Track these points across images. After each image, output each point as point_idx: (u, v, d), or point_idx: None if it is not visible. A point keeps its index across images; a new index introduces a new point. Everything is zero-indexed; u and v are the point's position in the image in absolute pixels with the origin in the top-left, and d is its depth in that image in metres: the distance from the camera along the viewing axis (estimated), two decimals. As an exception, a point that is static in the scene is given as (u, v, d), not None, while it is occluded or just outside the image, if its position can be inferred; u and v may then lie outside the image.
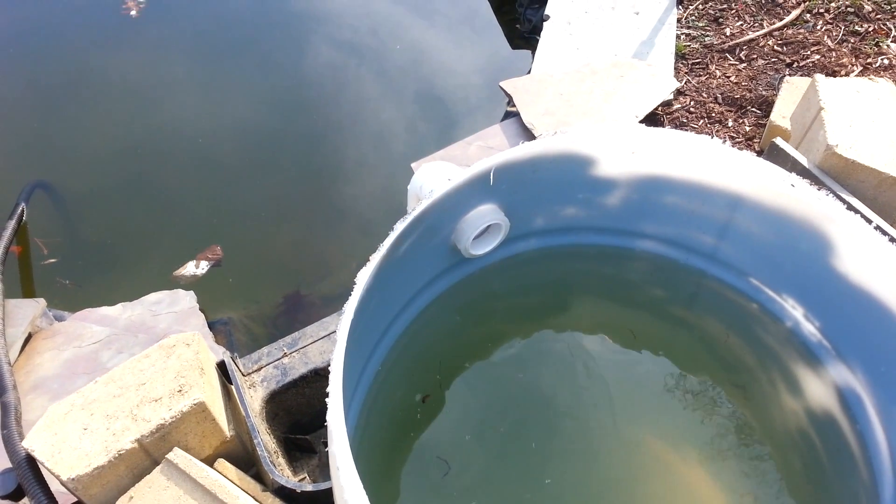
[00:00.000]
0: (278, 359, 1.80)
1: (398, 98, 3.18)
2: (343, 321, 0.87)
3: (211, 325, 2.18)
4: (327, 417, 0.78)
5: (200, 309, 2.19)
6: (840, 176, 1.92)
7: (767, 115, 2.50)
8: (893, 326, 1.01)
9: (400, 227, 0.98)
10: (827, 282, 1.11)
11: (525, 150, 1.11)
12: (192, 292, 2.20)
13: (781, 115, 2.37)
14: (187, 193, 2.79)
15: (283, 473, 1.57)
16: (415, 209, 1.01)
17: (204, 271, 2.47)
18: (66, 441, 1.45)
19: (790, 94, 2.42)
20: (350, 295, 0.91)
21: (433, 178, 1.17)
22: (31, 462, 1.49)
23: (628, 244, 1.31)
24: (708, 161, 1.13)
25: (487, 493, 1.16)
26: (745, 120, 2.50)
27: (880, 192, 1.91)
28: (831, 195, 1.05)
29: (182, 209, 2.72)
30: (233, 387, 1.68)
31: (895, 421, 1.03)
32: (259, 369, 1.78)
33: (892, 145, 1.97)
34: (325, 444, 1.34)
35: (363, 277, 0.92)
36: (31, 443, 1.46)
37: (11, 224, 2.36)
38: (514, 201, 1.21)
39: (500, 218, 1.19)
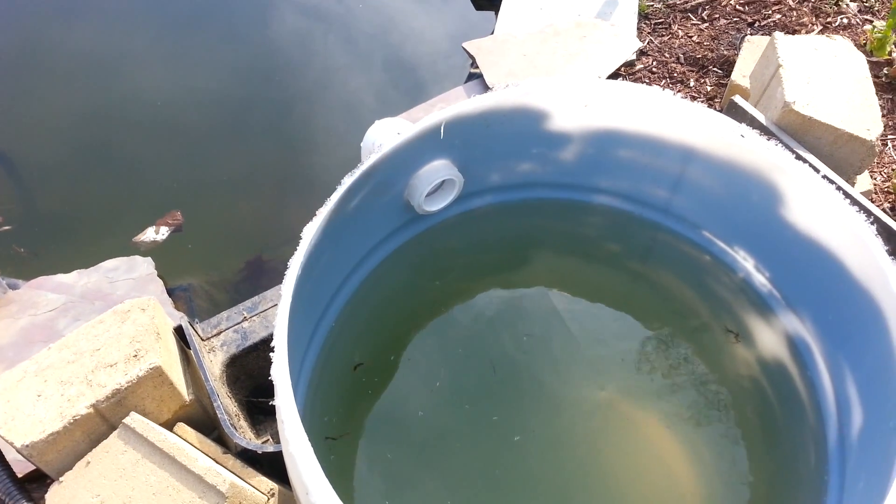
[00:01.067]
0: (238, 323, 1.78)
1: (363, 63, 3.12)
2: (288, 276, 0.86)
3: (170, 292, 2.15)
4: (272, 371, 0.77)
5: (159, 275, 2.15)
6: (797, 133, 1.94)
7: (728, 75, 2.51)
8: (840, 274, 1.03)
9: (348, 181, 0.97)
10: (777, 232, 1.13)
11: (476, 103, 1.10)
12: (149, 259, 2.16)
13: (742, 74, 2.38)
14: (147, 161, 2.73)
15: (246, 436, 1.57)
16: (363, 163, 0.99)
17: (164, 237, 2.42)
18: (19, 408, 1.43)
19: (751, 53, 2.43)
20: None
21: (385, 134, 1.15)
22: (-17, 430, 1.46)
23: (584, 199, 1.30)
24: (660, 113, 1.13)
25: (451, 452, 1.17)
26: (707, 80, 2.50)
27: (836, 149, 1.93)
28: (780, 145, 1.05)
29: (141, 177, 2.66)
30: (191, 352, 1.66)
31: (840, 367, 1.06)
32: (218, 333, 1.76)
33: (849, 102, 1.99)
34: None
35: (309, 232, 0.90)
36: (-17, 411, 1.43)
37: (-40, 192, 2.29)
38: (468, 157, 1.20)
39: (453, 173, 1.18)
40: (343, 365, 1.16)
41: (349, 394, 1.18)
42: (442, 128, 1.06)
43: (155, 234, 2.41)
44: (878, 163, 2.59)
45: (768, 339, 1.19)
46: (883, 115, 2.50)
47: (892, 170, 2.54)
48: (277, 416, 0.76)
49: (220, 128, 2.84)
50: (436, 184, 1.17)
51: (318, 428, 1.04)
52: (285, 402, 0.74)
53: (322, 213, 0.92)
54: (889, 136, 2.69)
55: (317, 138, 2.78)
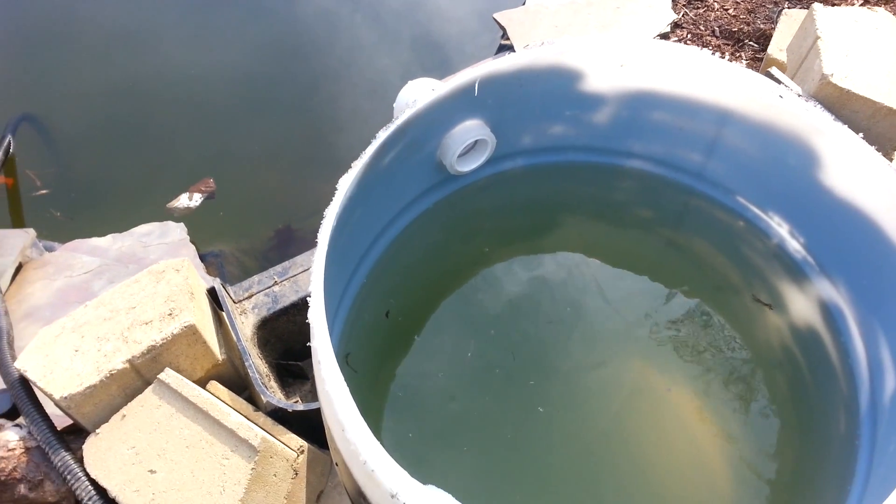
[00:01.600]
0: (269, 287, 1.81)
1: (390, 40, 3.12)
2: (324, 225, 0.87)
3: (202, 258, 2.18)
4: (308, 315, 0.79)
5: (191, 241, 2.19)
6: (834, 106, 1.90)
7: (765, 49, 2.46)
8: (876, 238, 1.02)
9: (382, 135, 0.97)
10: (813, 197, 1.11)
11: (511, 61, 1.09)
12: (182, 224, 2.20)
13: (779, 48, 2.33)
14: (179, 132, 2.76)
15: (276, 396, 1.60)
16: (398, 118, 1.00)
17: (198, 203, 2.46)
18: (57, 362, 1.47)
19: (788, 26, 2.38)
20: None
21: (419, 92, 1.15)
22: (23, 382, 1.51)
23: (616, 163, 1.30)
24: (697, 73, 1.12)
25: (476, 417, 1.18)
26: (743, 53, 2.46)
27: (874, 123, 1.89)
28: (819, 107, 1.04)
29: (173, 147, 2.70)
30: (223, 313, 1.69)
31: (874, 332, 1.05)
32: (250, 297, 1.79)
33: (889, 75, 1.94)
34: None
35: (345, 184, 0.91)
36: (23, 364, 1.47)
37: (-2, 155, 2.35)
38: (501, 118, 1.20)
39: (486, 133, 1.18)
40: (373, 319, 1.18)
41: (378, 348, 1.19)
42: (476, 85, 1.06)
43: (189, 200, 2.44)
44: (916, 140, 2.53)
45: (801, 305, 1.18)
46: (923, 91, 2.43)
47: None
48: (314, 357, 0.78)
49: (248, 103, 2.87)
50: (468, 144, 1.17)
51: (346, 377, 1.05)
52: (322, 343, 0.76)
53: (357, 166, 0.93)
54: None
55: (343, 117, 2.80)
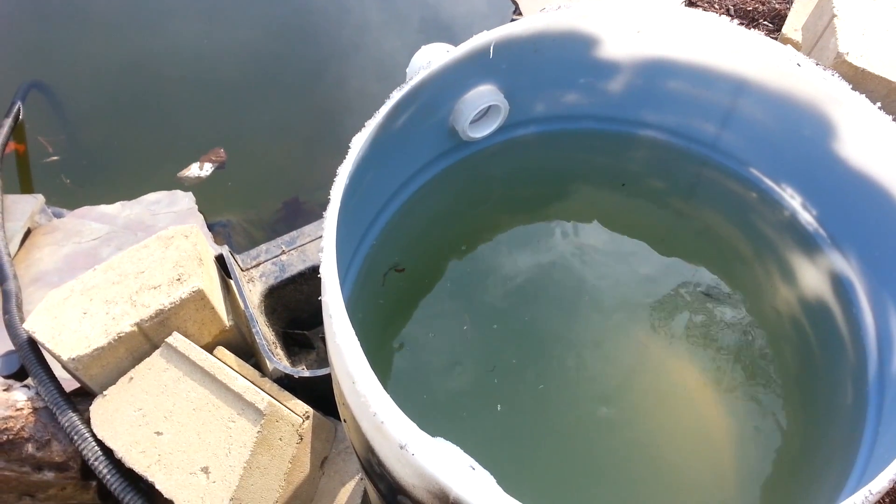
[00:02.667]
0: (277, 256, 1.81)
1: (398, 22, 3.10)
2: (337, 182, 0.86)
3: (210, 227, 2.19)
4: (320, 270, 0.79)
5: (199, 210, 2.19)
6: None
7: (779, 29, 2.43)
8: (890, 210, 1.01)
9: (396, 95, 0.97)
10: (827, 168, 1.10)
11: (527, 24, 1.08)
12: (190, 193, 2.20)
13: (793, 27, 2.31)
14: (189, 106, 2.77)
15: (282, 363, 1.60)
16: (412, 79, 0.99)
17: (208, 173, 2.46)
18: (66, 324, 1.48)
19: (804, 6, 2.35)
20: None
21: (433, 55, 1.14)
22: (32, 344, 1.52)
23: (630, 133, 1.29)
24: (715, 41, 1.11)
25: (478, 383, 1.18)
26: (757, 32, 2.43)
27: (890, 103, 1.88)
28: (837, 76, 1.03)
29: (184, 119, 2.70)
30: (231, 281, 1.69)
31: (884, 304, 1.04)
32: (257, 265, 1.79)
33: (905, 54, 1.93)
34: (324, 340, 1.36)
35: (358, 142, 0.91)
36: (32, 325, 1.48)
37: (8, 122, 2.34)
38: (515, 84, 1.19)
39: (499, 99, 1.17)
40: (380, 282, 1.18)
41: (385, 311, 1.19)
42: (491, 47, 1.05)
43: (199, 169, 2.44)
44: (930, 124, 2.51)
45: (812, 277, 1.17)
46: (939, 73, 2.41)
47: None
48: (324, 312, 0.78)
49: (258, 81, 2.87)
50: (481, 109, 1.16)
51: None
52: (333, 297, 0.76)
53: (370, 126, 0.92)
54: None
55: (350, 97, 2.79)
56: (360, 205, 1.04)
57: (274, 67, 2.91)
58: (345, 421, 0.87)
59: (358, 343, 0.72)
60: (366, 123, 0.93)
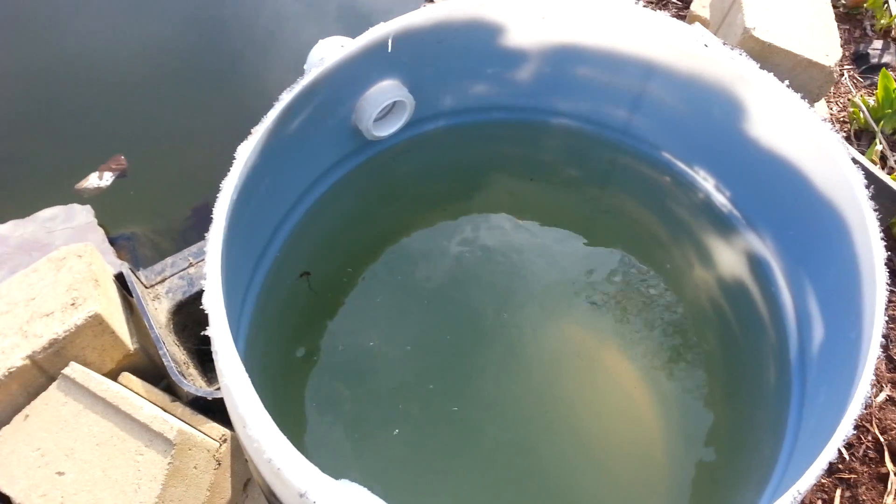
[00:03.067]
0: (184, 269, 1.70)
1: (315, 12, 2.99)
2: (221, 199, 0.78)
3: (113, 241, 2.04)
4: (203, 299, 0.71)
5: (100, 224, 2.05)
6: (757, 60, 1.90)
7: (688, 6, 2.45)
8: (803, 188, 1.00)
9: (287, 97, 0.89)
10: (738, 149, 1.09)
11: (427, 14, 1.02)
12: (88, 206, 2.05)
13: (702, 4, 2.33)
14: (89, 113, 2.57)
15: (196, 384, 1.50)
16: (303, 79, 0.91)
17: (108, 183, 2.29)
18: (-52, 362, 1.34)
19: (710, -19, 2.37)
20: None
21: (328, 50, 1.07)
22: None
23: (541, 122, 1.25)
24: (621, 24, 1.07)
25: (403, 387, 1.12)
26: (666, 11, 2.44)
27: (795, 76, 1.91)
28: (745, 55, 1.01)
29: (82, 127, 2.51)
30: (134, 300, 1.57)
31: (801, 282, 1.04)
32: (163, 280, 1.67)
33: (809, 28, 1.96)
34: (241, 354, 1.26)
35: (244, 152, 0.83)
36: None
37: None
38: (419, 77, 1.12)
39: (403, 95, 1.10)
40: (290, 296, 1.10)
41: (296, 324, 1.12)
42: (389, 41, 0.98)
43: (98, 179, 2.28)
44: (834, 93, 2.59)
45: (729, 259, 1.17)
46: (840, 45, 2.48)
47: (848, 100, 2.54)
48: (212, 347, 0.70)
49: (165, 78, 2.69)
50: (385, 106, 1.09)
51: (258, 365, 0.98)
52: (220, 331, 0.68)
53: (258, 132, 0.85)
54: (846, 67, 2.68)
55: (267, 90, 2.66)
56: (257, 216, 0.96)
57: (181, 63, 2.75)
58: (247, 460, 0.80)
59: (249, 382, 0.65)
60: (252, 130, 0.85)
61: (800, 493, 0.65)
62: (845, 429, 0.69)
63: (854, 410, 0.71)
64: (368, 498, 0.61)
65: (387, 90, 1.09)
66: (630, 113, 1.19)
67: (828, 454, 0.67)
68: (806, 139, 0.96)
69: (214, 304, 0.68)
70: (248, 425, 0.62)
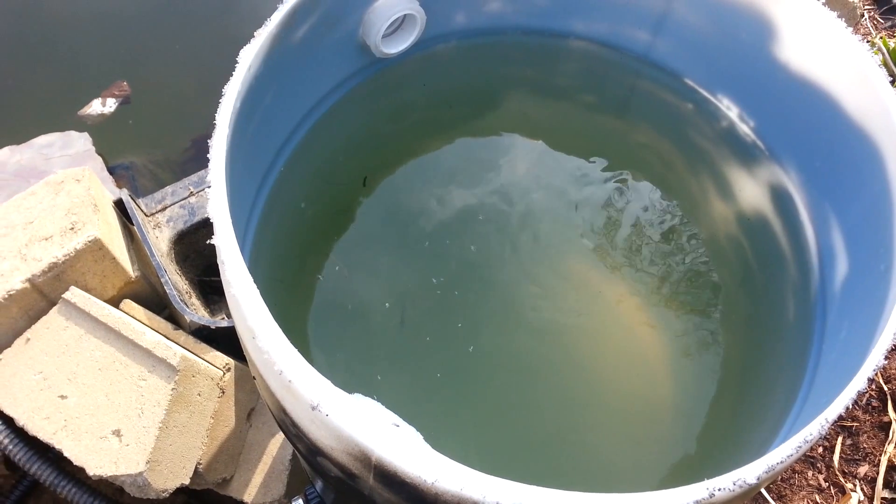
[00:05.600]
0: (184, 198, 1.66)
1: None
2: (224, 104, 0.74)
3: (111, 170, 2.00)
4: (208, 208, 0.67)
5: (98, 153, 2.00)
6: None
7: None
8: (834, 115, 0.95)
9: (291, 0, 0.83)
10: (766, 75, 1.04)
11: (440, -81, 0.95)
12: (86, 134, 2.00)
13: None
14: (85, 41, 2.49)
15: (199, 314, 1.48)
16: (310, -18, 0.85)
17: (112, 109, 2.23)
18: (-55, 285, 1.32)
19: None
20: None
21: (335, -41, 1.00)
22: None
23: (558, 44, 1.19)
24: (646, -64, 1.01)
25: (410, 325, 1.10)
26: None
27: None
28: (778, -30, 0.95)
29: (81, 56, 2.43)
30: (134, 227, 1.54)
31: (825, 215, 1.00)
32: (164, 209, 1.64)
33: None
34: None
35: (247, 56, 0.78)
36: None
37: None
38: (431, -9, 1.06)
39: (413, 7, 1.04)
40: (292, 218, 1.06)
41: (300, 250, 1.09)
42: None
43: (102, 106, 2.22)
44: (854, 33, 2.51)
45: (750, 191, 1.12)
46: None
47: (868, 41, 2.46)
48: (218, 257, 0.67)
49: (163, 12, 2.60)
50: (395, 20, 1.03)
51: (264, 277, 0.95)
52: (226, 239, 0.65)
53: (261, 35, 0.79)
54: (866, 7, 2.59)
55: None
56: (260, 132, 0.92)
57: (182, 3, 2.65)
58: (255, 378, 0.78)
59: (257, 292, 0.62)
60: (256, 33, 0.80)
61: (827, 422, 0.62)
62: (877, 357, 0.67)
63: (887, 338, 0.68)
64: (381, 410, 0.59)
65: (397, 2, 1.03)
66: (652, 35, 1.13)
67: (858, 383, 0.65)
68: (841, 61, 0.91)
69: (220, 212, 0.64)
70: (257, 336, 0.59)
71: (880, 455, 1.63)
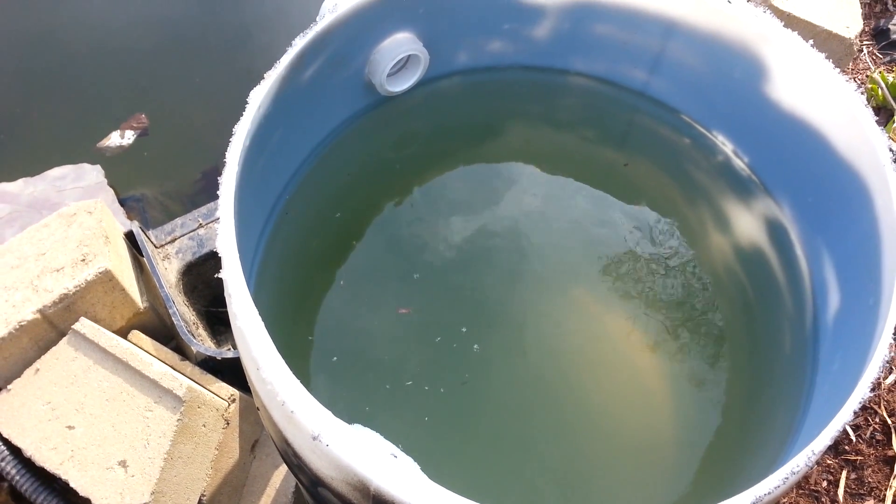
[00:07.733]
0: (193, 230, 1.70)
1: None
2: (234, 143, 0.77)
3: (123, 202, 2.04)
4: (217, 243, 0.70)
5: (110, 185, 2.04)
6: (777, 29, 1.87)
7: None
8: (824, 152, 0.98)
9: (300, 43, 0.87)
10: (759, 112, 1.07)
11: (442, -35, 1.00)
12: (98, 166, 2.04)
13: (721, -28, 2.29)
14: (103, 76, 2.55)
15: (205, 344, 1.51)
16: (316, 24, 0.89)
17: (130, 141, 2.28)
18: (-41, 315, 1.34)
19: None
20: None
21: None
22: (-79, 339, 1.38)
23: (557, 81, 1.22)
24: (641, -20, 1.05)
25: (410, 348, 1.11)
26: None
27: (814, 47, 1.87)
28: (769, 13, 0.98)
29: (99, 89, 2.49)
30: (143, 259, 1.57)
31: (818, 250, 1.02)
32: (173, 241, 1.67)
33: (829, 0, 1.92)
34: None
35: (257, 96, 0.81)
36: (-81, 318, 1.34)
37: None
38: (434, 30, 1.10)
39: (418, 48, 1.08)
40: (296, 250, 1.09)
41: (304, 281, 1.11)
42: (404, -11, 0.96)
43: (120, 138, 2.26)
44: (852, 68, 2.54)
45: (746, 224, 1.15)
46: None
47: (867, 76, 2.50)
48: (225, 290, 0.69)
49: (177, 48, 2.67)
50: (399, 59, 1.07)
51: (269, 305, 0.97)
52: (233, 273, 0.67)
53: (271, 77, 0.83)
54: (864, 42, 2.63)
55: (277, 56, 2.63)
56: (269, 167, 0.95)
57: (195, 34, 2.72)
58: (258, 409, 0.80)
59: (262, 324, 0.64)
60: (265, 75, 0.83)
61: (814, 454, 0.64)
62: (862, 390, 0.68)
63: (872, 371, 0.70)
64: (380, 442, 0.61)
65: (401, 43, 1.07)
66: (649, 74, 1.16)
67: (844, 415, 0.66)
68: (830, 101, 0.94)
69: (227, 247, 0.67)
70: (261, 367, 0.61)
71: (885, 489, 1.62)
